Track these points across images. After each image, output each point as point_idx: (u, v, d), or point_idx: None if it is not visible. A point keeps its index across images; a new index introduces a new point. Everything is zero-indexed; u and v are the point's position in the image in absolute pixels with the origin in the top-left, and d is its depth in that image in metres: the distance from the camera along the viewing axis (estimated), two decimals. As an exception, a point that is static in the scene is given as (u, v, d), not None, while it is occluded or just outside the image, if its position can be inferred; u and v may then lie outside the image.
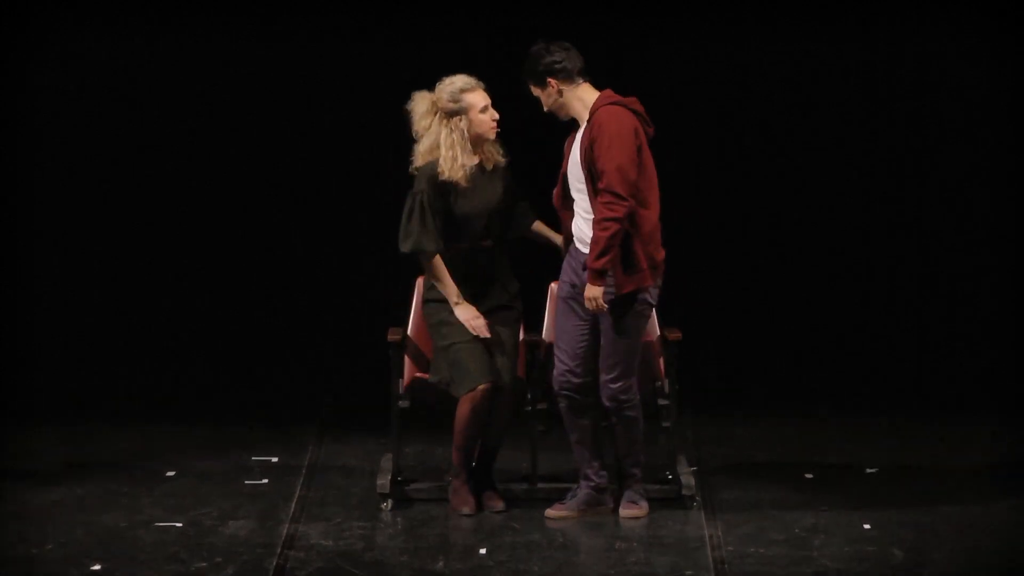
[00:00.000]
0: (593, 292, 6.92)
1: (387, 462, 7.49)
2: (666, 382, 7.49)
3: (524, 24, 9.42)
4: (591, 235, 6.93)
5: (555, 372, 7.17)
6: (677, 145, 9.63)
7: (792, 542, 6.87)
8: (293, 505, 7.42)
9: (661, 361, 7.54)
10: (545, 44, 7.06)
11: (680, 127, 9.76)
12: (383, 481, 7.36)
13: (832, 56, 9.94)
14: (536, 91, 7.10)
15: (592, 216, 6.94)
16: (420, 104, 7.15)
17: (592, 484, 7.23)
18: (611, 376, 7.04)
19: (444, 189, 7.09)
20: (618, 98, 7.01)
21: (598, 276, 6.89)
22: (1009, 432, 8.97)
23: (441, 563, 6.61)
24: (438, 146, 7.08)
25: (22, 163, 9.90)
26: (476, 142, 7.15)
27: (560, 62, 7.02)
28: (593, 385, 7.13)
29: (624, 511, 7.17)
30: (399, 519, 7.20)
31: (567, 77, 7.03)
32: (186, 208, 10.00)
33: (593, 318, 7.05)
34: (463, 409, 7.13)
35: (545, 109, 7.14)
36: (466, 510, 7.18)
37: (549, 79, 7.03)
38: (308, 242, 9.94)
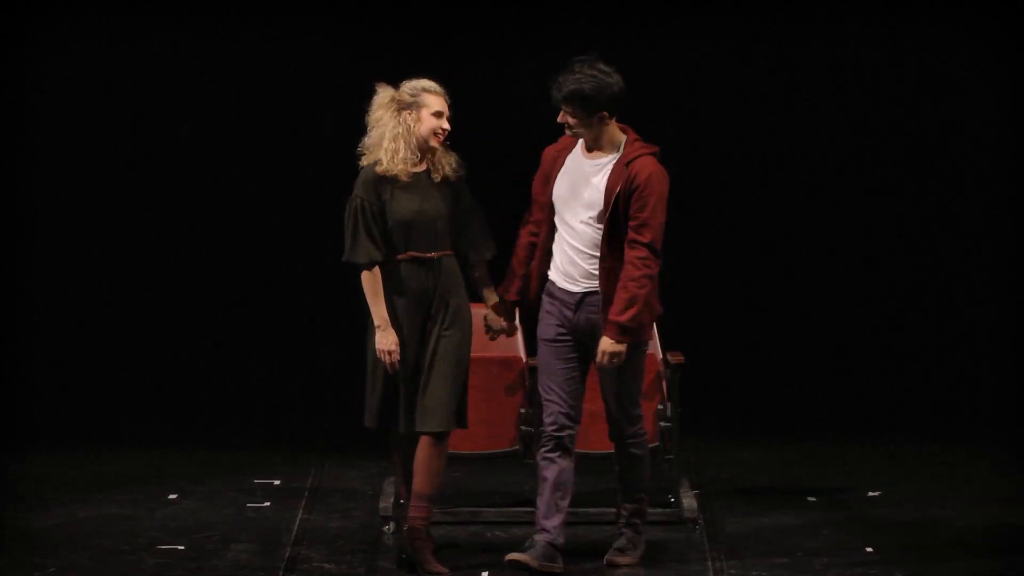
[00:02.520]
0: (617, 348, 6.46)
1: (389, 485, 7.50)
2: (669, 405, 7.50)
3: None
4: (587, 271, 6.57)
5: (547, 414, 6.69)
6: (678, 165, 9.68)
7: (795, 565, 6.88)
8: (295, 528, 7.43)
9: (664, 384, 7.55)
10: (608, 68, 6.51)
11: (678, 148, 9.79)
12: (385, 504, 7.37)
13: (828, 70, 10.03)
14: (580, 115, 6.53)
15: (596, 254, 6.54)
16: (381, 96, 6.73)
17: (550, 538, 6.67)
18: (624, 414, 6.69)
19: (383, 190, 6.64)
20: (651, 147, 6.59)
21: (624, 332, 6.45)
22: (1010, 456, 9.03)
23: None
24: (387, 143, 6.63)
25: (22, 183, 9.98)
26: (421, 144, 6.67)
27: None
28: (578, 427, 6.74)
29: (610, 555, 6.82)
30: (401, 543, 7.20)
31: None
32: (187, 230, 10.08)
33: (583, 358, 6.68)
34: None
35: (589, 139, 6.62)
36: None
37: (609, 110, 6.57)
38: (310, 264, 9.97)
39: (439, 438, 6.70)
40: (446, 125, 6.69)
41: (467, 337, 6.74)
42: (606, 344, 6.44)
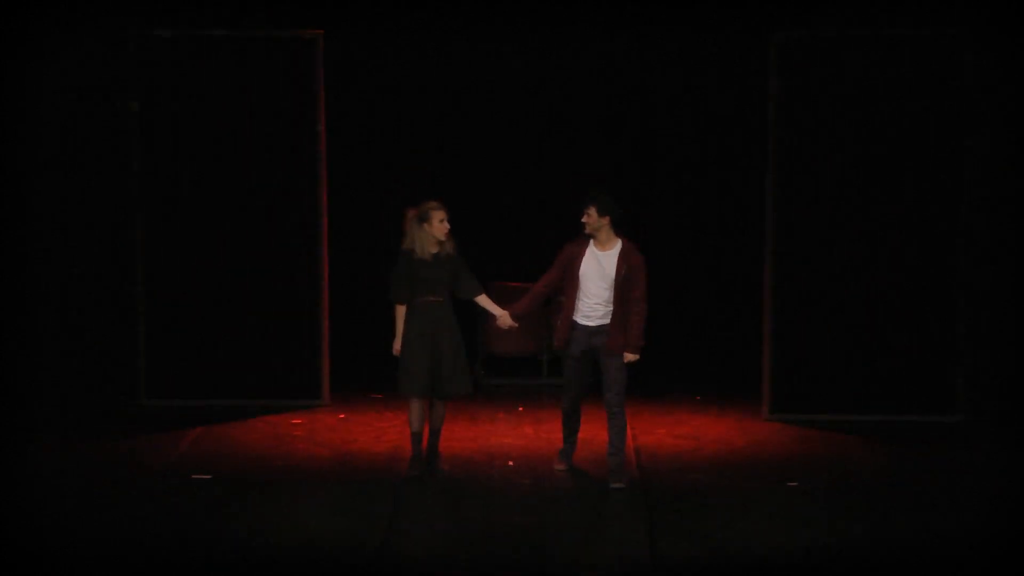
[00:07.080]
0: (635, 357, 10.04)
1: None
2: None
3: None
4: (602, 314, 10.01)
5: (567, 399, 10.32)
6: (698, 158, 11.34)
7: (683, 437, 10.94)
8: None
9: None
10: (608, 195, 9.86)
11: (687, 142, 11.24)
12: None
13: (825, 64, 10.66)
14: (596, 216, 9.88)
15: (611, 307, 9.98)
16: (409, 215, 10.18)
17: (571, 442, 10.61)
18: (618, 393, 10.13)
19: (411, 262, 10.15)
20: (635, 244, 9.99)
21: (639, 348, 10.04)
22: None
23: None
24: (414, 239, 10.18)
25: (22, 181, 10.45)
26: (433, 239, 10.16)
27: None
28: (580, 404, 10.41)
29: (612, 483, 10.13)
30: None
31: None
32: (204, 221, 11.27)
33: (591, 365, 10.20)
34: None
35: (602, 236, 9.92)
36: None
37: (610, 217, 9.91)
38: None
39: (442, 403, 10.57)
40: (447, 227, 10.24)
41: (452, 345, 10.34)
42: (630, 357, 10.13)
